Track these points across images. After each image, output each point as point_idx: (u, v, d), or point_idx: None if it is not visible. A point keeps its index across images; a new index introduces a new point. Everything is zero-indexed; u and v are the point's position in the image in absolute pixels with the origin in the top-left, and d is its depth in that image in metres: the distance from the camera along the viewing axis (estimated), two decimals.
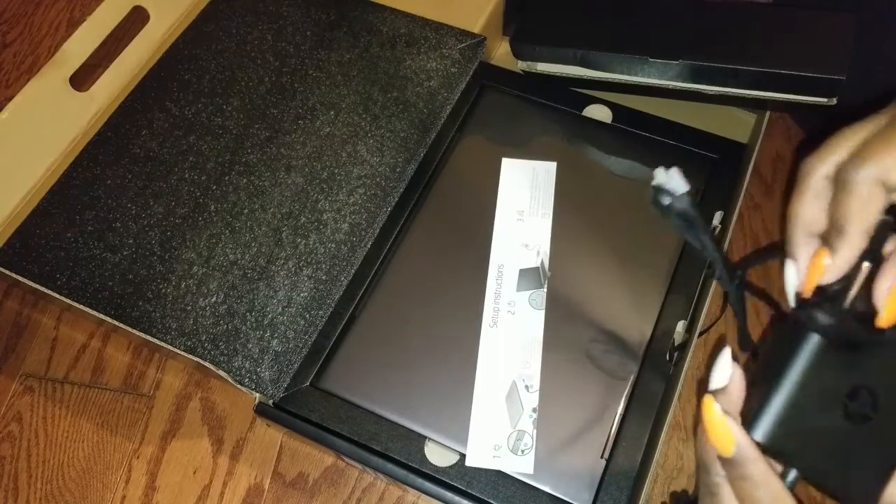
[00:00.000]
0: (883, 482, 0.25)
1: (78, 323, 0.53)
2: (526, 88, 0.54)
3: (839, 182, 0.25)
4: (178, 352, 0.44)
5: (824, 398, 0.26)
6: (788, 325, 0.27)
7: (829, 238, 0.26)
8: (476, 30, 0.56)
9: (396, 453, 0.41)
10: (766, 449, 0.26)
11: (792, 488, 0.26)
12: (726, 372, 0.26)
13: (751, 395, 0.27)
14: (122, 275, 0.47)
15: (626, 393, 0.42)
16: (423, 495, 0.41)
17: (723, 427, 0.25)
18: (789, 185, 0.57)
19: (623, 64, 0.50)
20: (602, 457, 0.40)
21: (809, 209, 0.26)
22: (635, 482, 0.39)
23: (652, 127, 0.51)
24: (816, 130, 0.58)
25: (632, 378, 0.42)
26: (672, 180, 0.28)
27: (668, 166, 0.28)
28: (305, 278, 0.46)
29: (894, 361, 0.25)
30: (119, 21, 0.53)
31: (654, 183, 0.29)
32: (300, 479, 0.47)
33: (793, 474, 0.26)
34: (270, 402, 0.43)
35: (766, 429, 0.26)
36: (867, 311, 0.26)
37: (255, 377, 0.43)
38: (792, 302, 0.28)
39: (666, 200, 0.28)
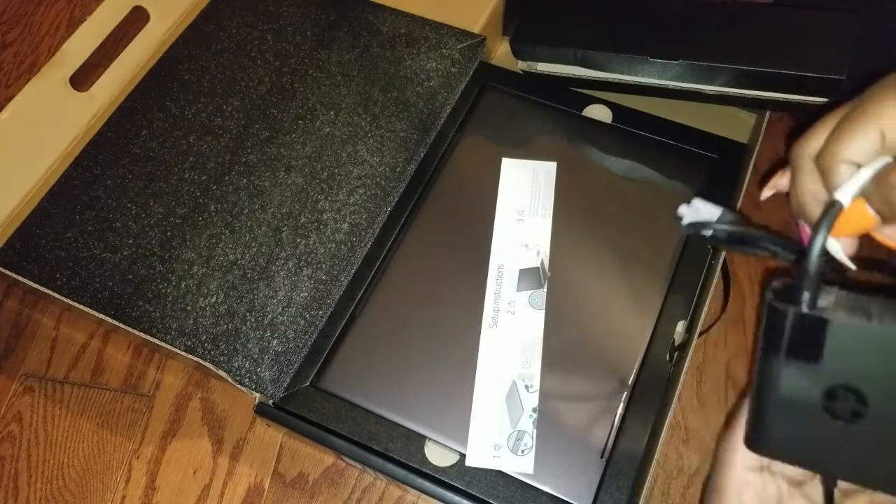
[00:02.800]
0: None
1: (78, 323, 0.53)
2: (526, 88, 0.54)
3: (817, 165, 0.28)
4: (178, 352, 0.44)
5: (804, 409, 0.27)
6: (760, 339, 0.28)
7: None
8: (476, 30, 0.56)
9: (396, 453, 0.41)
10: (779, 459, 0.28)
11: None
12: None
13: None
14: (122, 275, 0.47)
15: (626, 393, 0.42)
16: (423, 495, 0.41)
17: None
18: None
19: (623, 64, 0.50)
20: (602, 457, 0.40)
21: (809, 185, 0.29)
22: (635, 482, 0.39)
23: (652, 127, 0.51)
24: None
25: (632, 378, 0.42)
26: (701, 212, 0.29)
27: (686, 197, 0.29)
28: (305, 278, 0.46)
29: (869, 352, 0.25)
30: (119, 21, 0.53)
31: (685, 222, 0.30)
32: (300, 479, 0.47)
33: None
34: (270, 402, 0.43)
35: (763, 445, 0.28)
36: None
37: (255, 377, 0.43)
38: (850, 264, 0.29)
39: (707, 231, 0.29)
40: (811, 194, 0.29)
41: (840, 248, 0.28)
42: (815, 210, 0.29)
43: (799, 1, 0.50)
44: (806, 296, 0.26)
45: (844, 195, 0.26)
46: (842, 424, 0.26)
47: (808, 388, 0.26)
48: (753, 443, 0.29)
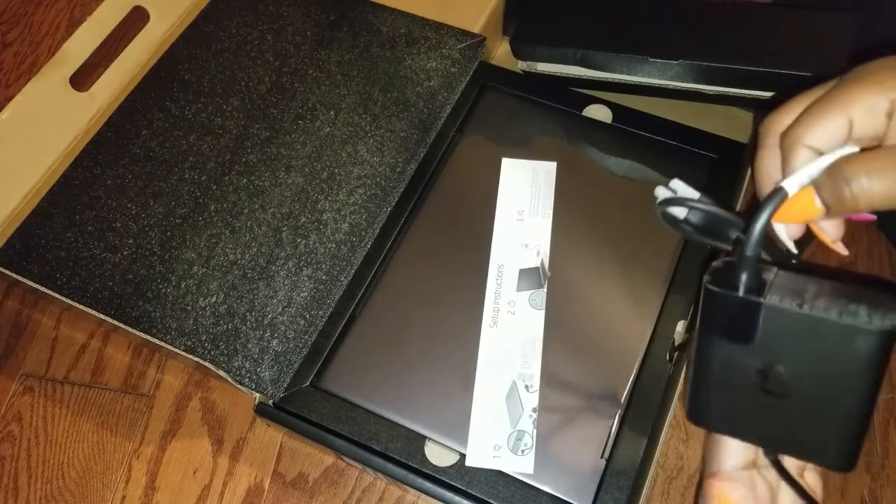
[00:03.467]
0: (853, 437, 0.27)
1: (78, 323, 0.53)
2: (526, 88, 0.54)
3: (780, 145, 0.27)
4: (178, 352, 0.44)
5: (739, 386, 0.27)
6: (699, 322, 0.28)
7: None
8: (476, 30, 0.56)
9: (396, 453, 0.41)
10: (715, 430, 0.29)
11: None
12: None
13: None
14: (122, 275, 0.47)
15: (626, 393, 0.42)
16: (423, 495, 0.41)
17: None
18: None
19: (623, 64, 0.50)
20: (602, 457, 0.40)
21: (769, 162, 0.28)
22: (635, 482, 0.39)
23: (652, 127, 0.51)
24: None
25: (632, 378, 0.42)
26: (680, 189, 0.29)
27: (663, 178, 0.28)
28: (305, 278, 0.46)
29: (797, 336, 0.26)
30: (119, 21, 0.53)
31: (660, 199, 0.29)
32: (300, 479, 0.47)
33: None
34: (270, 402, 0.43)
35: (702, 419, 0.29)
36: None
37: (255, 377, 0.43)
38: (794, 248, 0.28)
39: (682, 212, 0.29)
40: (767, 173, 0.28)
41: (785, 231, 0.28)
42: (768, 189, 0.28)
43: (799, 1, 0.50)
44: (743, 278, 0.26)
45: (792, 183, 0.26)
46: (774, 400, 0.27)
47: (742, 366, 0.27)
48: (693, 418, 0.29)
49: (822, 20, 0.47)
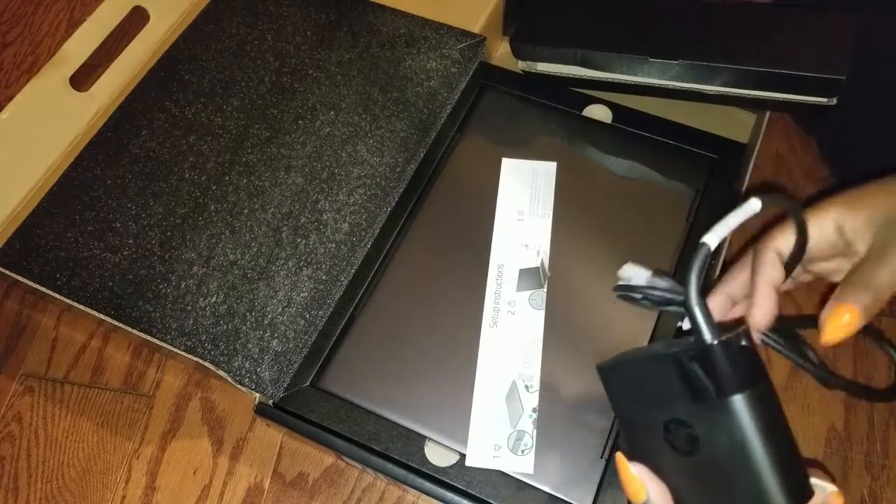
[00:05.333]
0: None
1: (78, 323, 0.53)
2: (526, 88, 0.54)
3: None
4: (178, 352, 0.44)
5: (651, 446, 0.28)
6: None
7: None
8: (476, 30, 0.56)
9: (396, 453, 0.41)
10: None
11: None
12: None
13: None
14: (122, 275, 0.47)
15: None
16: (423, 495, 0.41)
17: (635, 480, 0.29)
18: (788, 187, 0.57)
19: (623, 64, 0.50)
20: (602, 457, 0.40)
21: (771, 270, 0.32)
22: None
23: (652, 127, 0.51)
24: (816, 130, 0.58)
25: None
26: (633, 276, 0.31)
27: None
28: (305, 278, 0.46)
29: (724, 421, 0.25)
30: (119, 21, 0.53)
31: (616, 286, 0.31)
32: (300, 479, 0.47)
33: None
34: (270, 402, 0.43)
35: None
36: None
37: (255, 377, 0.43)
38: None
39: (637, 295, 0.31)
40: (771, 280, 0.32)
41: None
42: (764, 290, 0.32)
43: (799, 1, 0.50)
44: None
45: (713, 237, 0.26)
46: (683, 458, 0.27)
47: (649, 423, 0.28)
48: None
49: (822, 20, 0.47)
